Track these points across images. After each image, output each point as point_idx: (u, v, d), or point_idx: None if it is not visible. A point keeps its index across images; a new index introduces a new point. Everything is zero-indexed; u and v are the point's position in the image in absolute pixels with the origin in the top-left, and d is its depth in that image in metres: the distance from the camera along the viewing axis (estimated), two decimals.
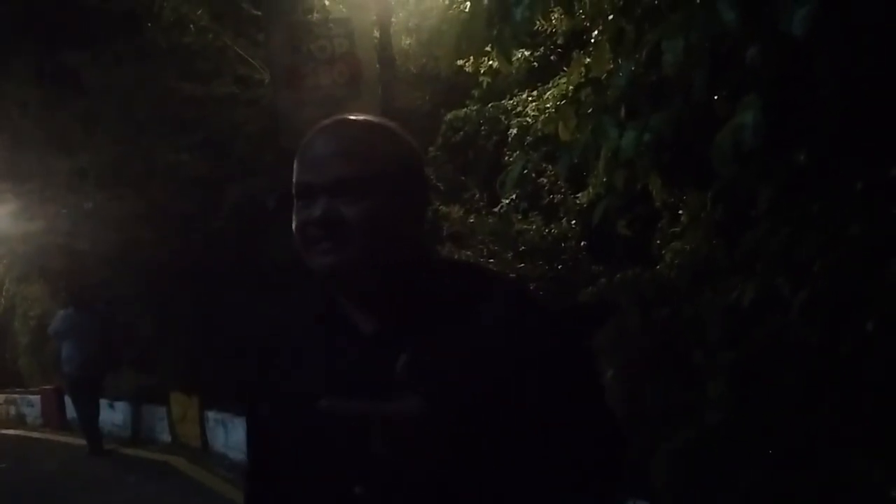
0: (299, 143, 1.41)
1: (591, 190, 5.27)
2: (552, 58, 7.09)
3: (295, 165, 1.38)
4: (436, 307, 1.36)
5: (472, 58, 6.12)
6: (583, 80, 3.72)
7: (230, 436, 9.37)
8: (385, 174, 1.34)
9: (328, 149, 1.35)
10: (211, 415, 9.78)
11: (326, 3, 7.93)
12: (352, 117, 1.42)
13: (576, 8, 3.49)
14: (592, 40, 3.82)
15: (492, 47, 3.16)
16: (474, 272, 1.49)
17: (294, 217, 1.37)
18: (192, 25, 9.13)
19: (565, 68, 5.87)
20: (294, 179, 1.38)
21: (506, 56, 2.91)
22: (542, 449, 1.30)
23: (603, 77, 3.47)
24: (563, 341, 1.39)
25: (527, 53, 7.01)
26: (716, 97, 2.93)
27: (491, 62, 6.27)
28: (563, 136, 3.51)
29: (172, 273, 10.45)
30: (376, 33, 7.20)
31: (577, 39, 5.18)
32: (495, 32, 2.82)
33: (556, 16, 5.17)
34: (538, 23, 5.30)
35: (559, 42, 6.52)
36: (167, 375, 10.92)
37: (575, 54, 4.18)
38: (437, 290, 1.38)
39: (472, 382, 1.28)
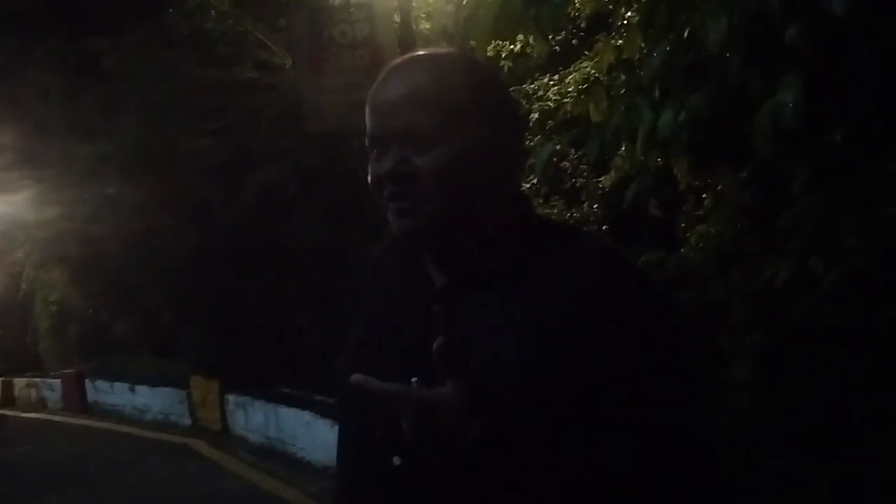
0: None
1: (613, 173, 5.28)
2: (573, 42, 7.06)
3: (366, 113, 1.25)
4: (509, 270, 1.21)
5: (493, 42, 6.11)
6: (613, 62, 3.71)
7: (250, 419, 9.46)
8: (460, 114, 1.19)
9: (395, 93, 1.21)
10: (231, 398, 9.88)
11: None
12: (422, 53, 1.29)
13: None
14: (624, 22, 3.82)
15: (527, 29, 3.16)
16: (569, 234, 1.29)
17: (369, 170, 1.25)
18: (213, 11, 9.15)
19: (587, 52, 5.86)
20: (367, 130, 1.25)
21: (543, 37, 2.92)
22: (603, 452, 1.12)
23: (635, 59, 3.47)
24: (660, 335, 1.19)
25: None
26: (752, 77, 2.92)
27: (512, 46, 6.25)
28: (595, 118, 3.52)
29: (193, 259, 10.51)
30: (397, 18, 7.20)
31: (600, 23, 5.17)
32: (533, 13, 2.84)
33: None
34: None
35: (581, 26, 6.49)
36: (188, 360, 11.02)
37: (602, 37, 4.17)
38: (513, 250, 1.22)
39: (528, 366, 1.13)
